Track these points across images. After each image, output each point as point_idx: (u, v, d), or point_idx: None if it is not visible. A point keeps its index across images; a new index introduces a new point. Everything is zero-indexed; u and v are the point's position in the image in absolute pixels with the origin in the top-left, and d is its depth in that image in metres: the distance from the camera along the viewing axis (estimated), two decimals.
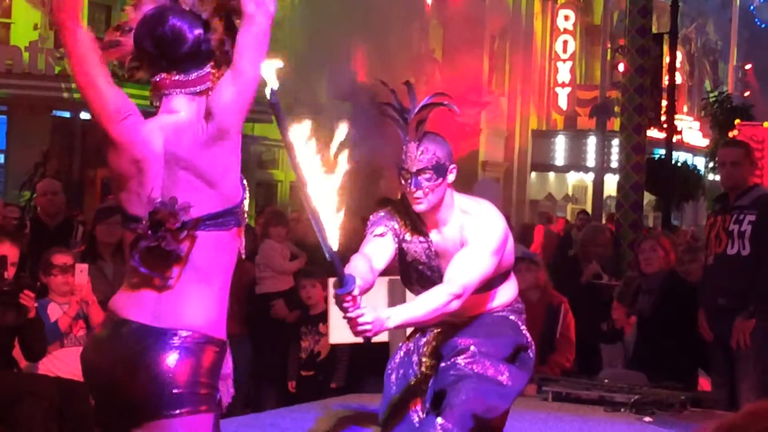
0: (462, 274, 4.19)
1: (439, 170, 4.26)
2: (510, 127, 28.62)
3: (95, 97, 3.30)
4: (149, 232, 3.21)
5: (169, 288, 3.24)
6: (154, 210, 3.21)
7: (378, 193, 17.67)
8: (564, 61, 30.51)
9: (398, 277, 4.67)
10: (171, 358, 3.18)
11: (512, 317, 4.50)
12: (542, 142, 29.70)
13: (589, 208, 24.38)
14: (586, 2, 31.91)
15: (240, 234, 3.30)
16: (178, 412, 3.18)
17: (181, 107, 3.30)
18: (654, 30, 13.89)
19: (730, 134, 17.66)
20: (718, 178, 8.06)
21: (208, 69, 3.34)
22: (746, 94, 36.87)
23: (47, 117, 18.63)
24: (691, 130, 32.21)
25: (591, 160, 27.25)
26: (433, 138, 4.32)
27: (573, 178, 31.32)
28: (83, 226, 8.80)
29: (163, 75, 3.32)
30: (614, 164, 21.64)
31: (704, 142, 30.49)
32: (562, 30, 30.55)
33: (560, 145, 29.56)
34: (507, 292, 4.53)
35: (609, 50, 25.64)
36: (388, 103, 4.32)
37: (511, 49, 28.51)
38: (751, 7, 43.28)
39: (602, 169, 23.59)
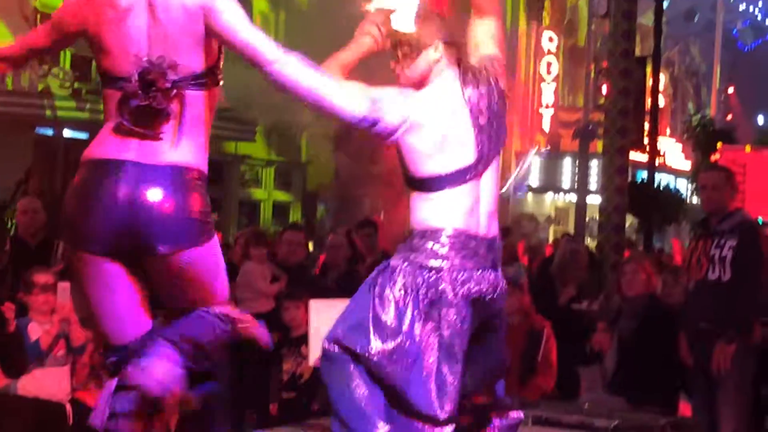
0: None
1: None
2: None
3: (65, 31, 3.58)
4: (140, 91, 3.30)
5: (160, 138, 3.37)
6: (144, 70, 3.29)
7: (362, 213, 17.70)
8: (548, 82, 30.59)
9: None
10: (169, 196, 3.34)
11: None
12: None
13: (571, 230, 24.38)
14: (571, 24, 32.03)
15: (217, 93, 3.47)
16: (182, 245, 3.40)
17: None
18: (637, 53, 13.94)
19: (713, 157, 17.73)
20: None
21: None
22: (728, 117, 37.06)
23: (30, 134, 18.53)
24: (673, 152, 32.31)
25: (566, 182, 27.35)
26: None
27: (553, 199, 31.36)
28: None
29: None
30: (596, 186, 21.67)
31: (687, 165, 30.55)
32: (546, 51, 30.62)
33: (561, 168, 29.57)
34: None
35: (593, 72, 25.70)
36: None
37: None
38: (734, 31, 43.51)
39: (585, 191, 23.62)
